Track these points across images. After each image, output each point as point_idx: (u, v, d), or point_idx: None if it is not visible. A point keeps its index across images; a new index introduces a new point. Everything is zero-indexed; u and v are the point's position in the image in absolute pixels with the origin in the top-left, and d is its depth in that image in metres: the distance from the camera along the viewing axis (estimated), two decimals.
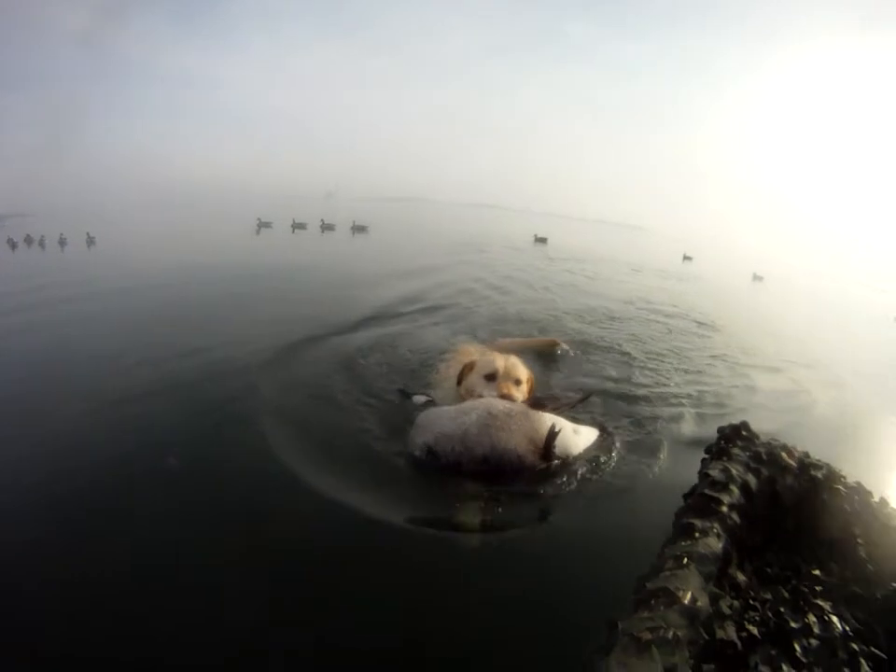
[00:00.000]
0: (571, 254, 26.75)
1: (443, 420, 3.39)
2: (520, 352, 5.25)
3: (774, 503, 2.22)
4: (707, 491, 2.09)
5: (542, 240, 31.46)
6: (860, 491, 2.33)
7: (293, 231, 22.25)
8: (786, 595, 1.95)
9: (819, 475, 2.32)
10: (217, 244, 15.40)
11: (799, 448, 2.56)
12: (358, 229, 24.60)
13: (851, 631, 1.86)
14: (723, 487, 2.12)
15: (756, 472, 2.25)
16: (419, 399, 4.08)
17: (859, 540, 2.20)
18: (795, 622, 1.82)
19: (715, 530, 1.88)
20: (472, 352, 4.98)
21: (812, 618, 1.86)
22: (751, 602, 1.84)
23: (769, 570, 2.06)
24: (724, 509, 2.02)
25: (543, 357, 6.05)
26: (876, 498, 2.34)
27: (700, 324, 10.59)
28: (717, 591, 1.69)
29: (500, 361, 4.07)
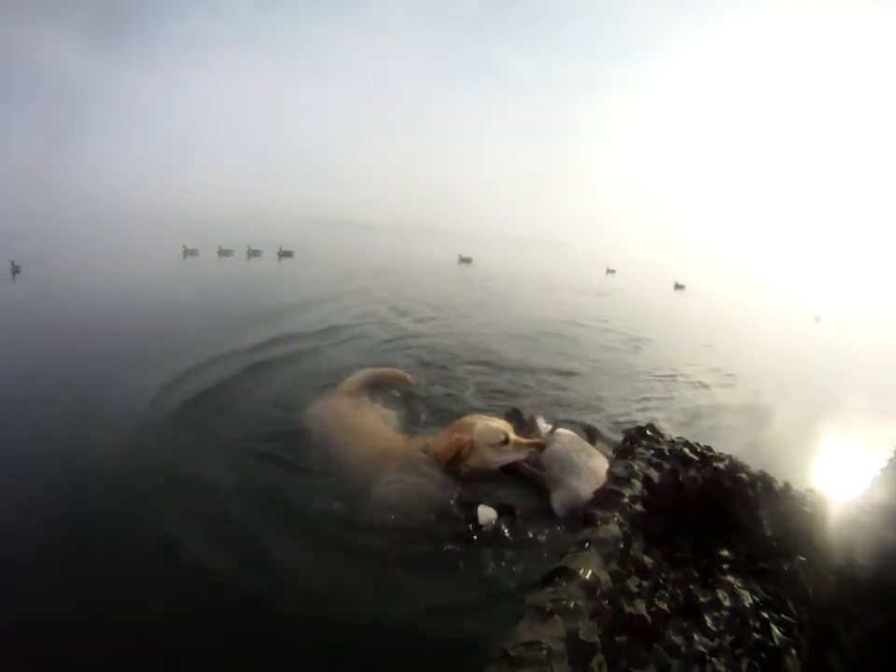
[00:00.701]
0: (496, 273, 27.17)
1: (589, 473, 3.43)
2: (373, 384, 5.26)
3: (678, 493, 2.38)
4: (608, 485, 2.24)
5: (467, 260, 31.57)
6: (763, 478, 2.52)
7: (220, 258, 21.53)
8: (695, 574, 2.12)
9: (722, 466, 2.50)
10: (136, 273, 14.74)
11: (716, 447, 2.75)
12: (285, 254, 23.95)
13: (761, 601, 2.05)
14: (625, 482, 2.28)
15: (658, 467, 2.42)
16: (489, 514, 3.26)
17: (764, 522, 2.38)
18: (705, 597, 2.00)
19: (616, 518, 2.03)
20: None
21: (721, 593, 2.04)
22: (661, 582, 1.99)
23: (678, 555, 2.21)
24: (625, 500, 2.17)
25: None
26: (781, 484, 2.52)
27: (631, 338, 10.93)
28: (620, 570, 1.83)
29: (496, 424, 3.82)
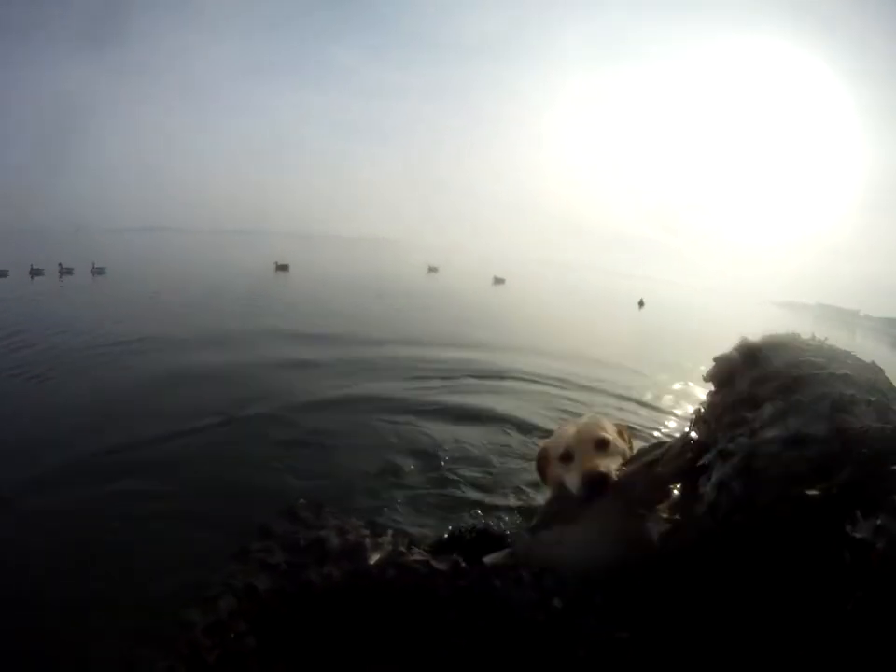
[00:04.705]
0: (315, 279, 26.68)
1: None
2: None
3: (303, 599, 1.87)
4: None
5: (284, 267, 30.68)
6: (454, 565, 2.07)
7: (31, 279, 19.95)
8: None
9: (377, 555, 2.02)
10: None
11: None
12: (97, 271, 22.55)
13: None
14: (212, 604, 1.77)
15: (274, 568, 1.91)
16: None
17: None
18: None
19: None
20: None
21: None
22: None
23: None
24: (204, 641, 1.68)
25: None
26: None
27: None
28: None
29: (571, 430, 2.73)
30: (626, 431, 2.77)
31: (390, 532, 2.21)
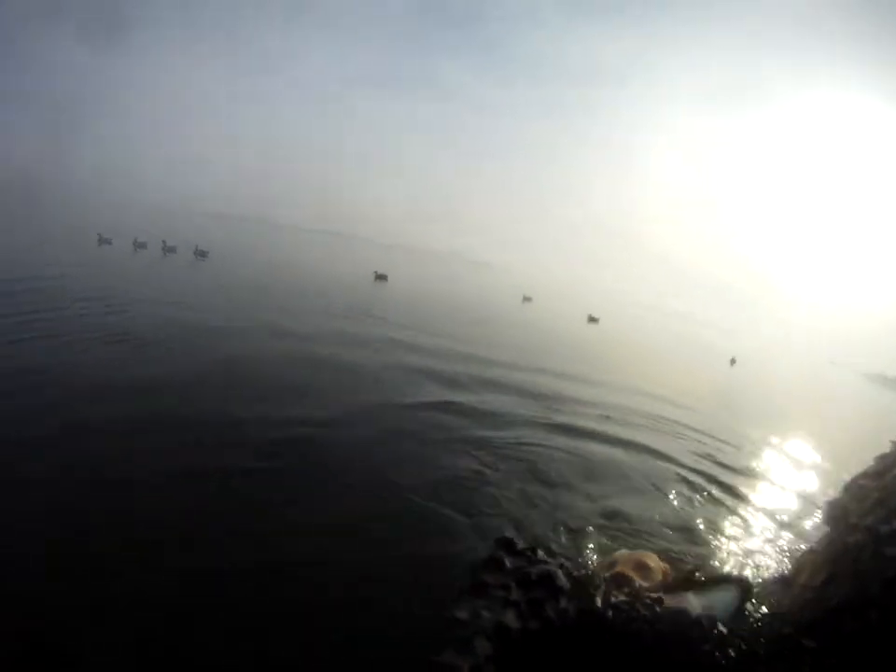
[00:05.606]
0: (413, 294, 26.95)
1: None
2: None
3: (545, 633, 1.87)
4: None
5: (383, 277, 30.99)
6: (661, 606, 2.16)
7: (135, 251, 21.02)
8: None
9: (598, 593, 2.04)
10: (50, 258, 14.47)
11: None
12: (200, 254, 23.40)
13: None
14: (466, 646, 1.78)
15: (516, 606, 1.91)
16: None
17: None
18: None
19: None
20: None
21: None
22: None
23: None
24: None
25: None
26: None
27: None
28: None
29: (625, 553, 3.66)
30: (670, 573, 3.40)
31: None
